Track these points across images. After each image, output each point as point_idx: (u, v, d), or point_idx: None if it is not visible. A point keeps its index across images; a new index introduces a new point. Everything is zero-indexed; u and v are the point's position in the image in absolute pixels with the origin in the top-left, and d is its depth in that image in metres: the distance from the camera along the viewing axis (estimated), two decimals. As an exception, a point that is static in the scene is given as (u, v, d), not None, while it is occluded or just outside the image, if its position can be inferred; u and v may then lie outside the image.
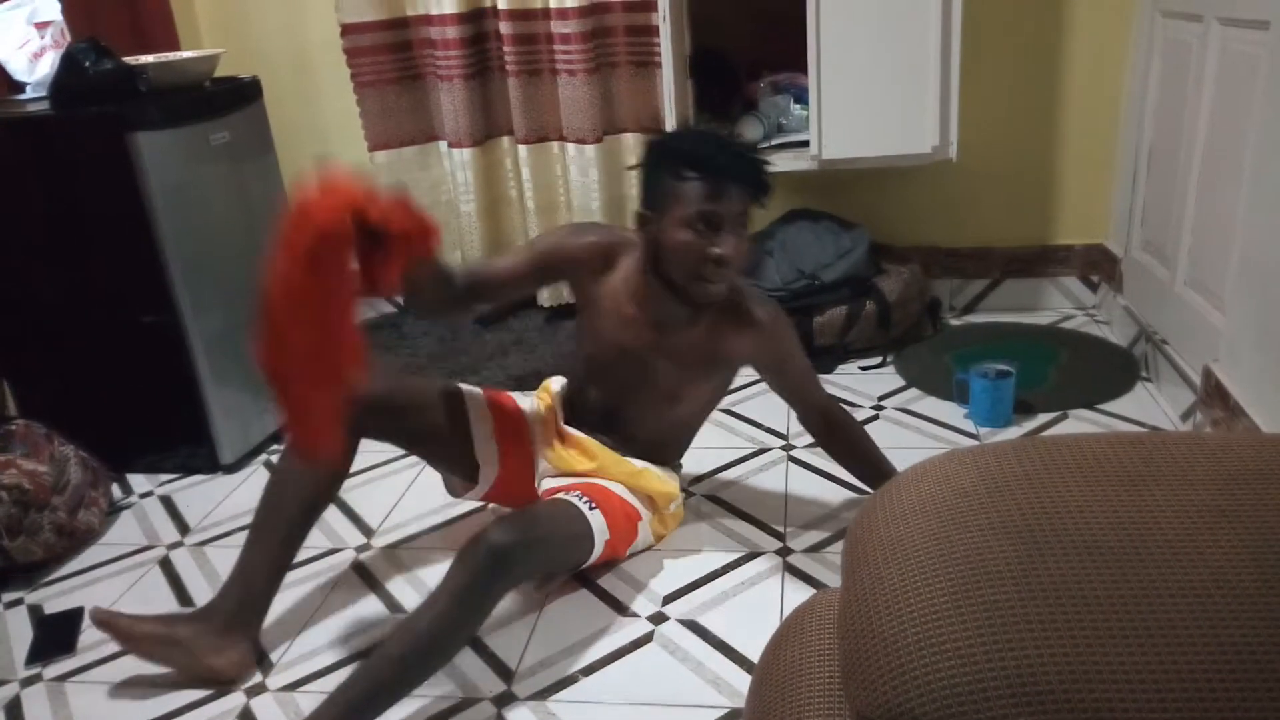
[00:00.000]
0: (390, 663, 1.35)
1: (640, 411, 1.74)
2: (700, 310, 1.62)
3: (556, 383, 1.85)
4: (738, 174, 1.50)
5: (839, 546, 1.60)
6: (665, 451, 1.82)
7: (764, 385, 2.44)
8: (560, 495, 1.63)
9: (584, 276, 1.69)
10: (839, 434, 1.83)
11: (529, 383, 2.51)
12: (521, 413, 1.79)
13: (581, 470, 1.71)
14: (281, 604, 1.75)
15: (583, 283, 1.70)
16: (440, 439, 1.71)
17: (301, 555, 1.89)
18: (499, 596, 1.45)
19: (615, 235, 1.70)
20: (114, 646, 1.68)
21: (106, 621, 1.51)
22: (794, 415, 2.26)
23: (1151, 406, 2.22)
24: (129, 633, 1.51)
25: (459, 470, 1.76)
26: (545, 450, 1.76)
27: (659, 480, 1.75)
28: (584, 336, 1.75)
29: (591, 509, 1.60)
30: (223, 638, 1.52)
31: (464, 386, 1.76)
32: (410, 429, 1.70)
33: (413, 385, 1.79)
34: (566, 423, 1.77)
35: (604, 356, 1.70)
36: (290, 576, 1.83)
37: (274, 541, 1.57)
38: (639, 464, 1.74)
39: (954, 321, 2.78)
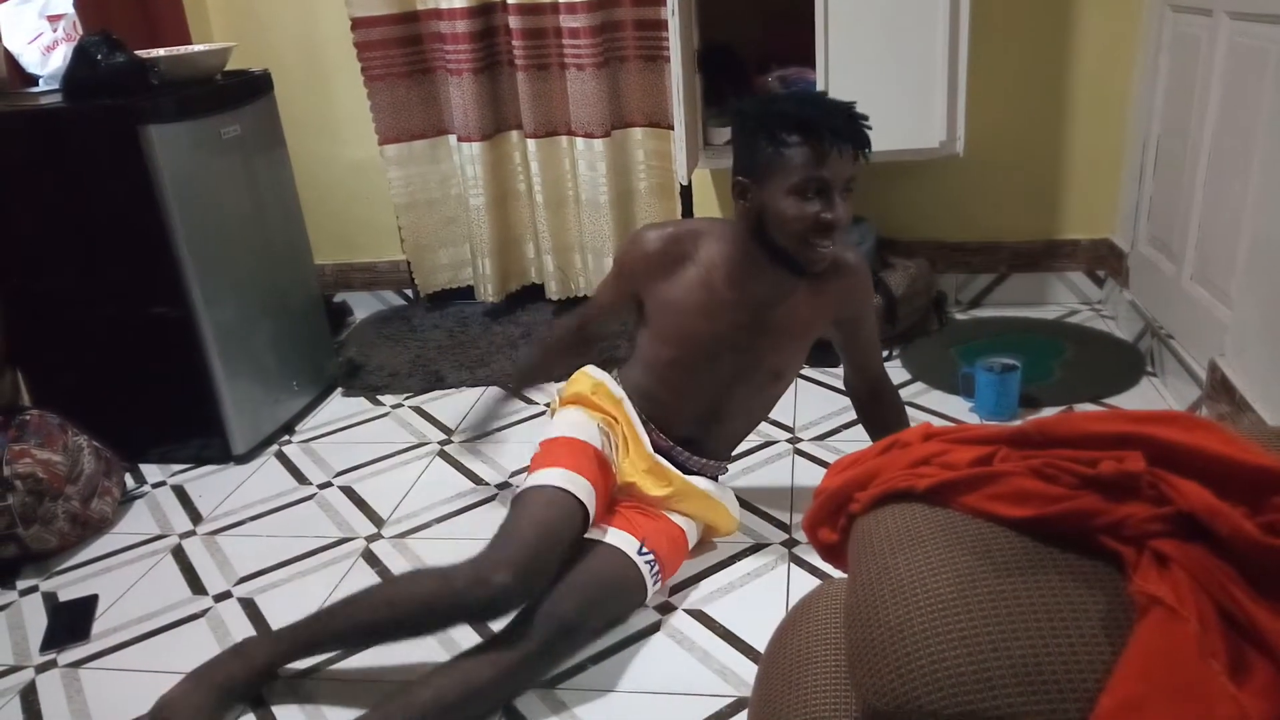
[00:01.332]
0: (432, 711, 1.35)
1: (743, 402, 1.69)
2: (804, 276, 1.56)
3: (597, 373, 1.74)
4: (845, 136, 1.43)
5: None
6: (745, 431, 1.82)
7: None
8: (612, 545, 1.57)
9: (651, 282, 1.61)
10: (882, 408, 1.81)
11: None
12: (608, 465, 1.63)
13: (653, 497, 1.65)
14: (293, 593, 1.78)
15: (649, 288, 1.62)
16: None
17: (312, 544, 1.92)
18: (563, 660, 1.50)
19: (681, 227, 1.63)
20: (127, 633, 1.71)
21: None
22: (800, 409, 2.28)
23: (1157, 401, 2.22)
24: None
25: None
26: (630, 474, 1.66)
27: (727, 515, 1.74)
28: (662, 342, 1.65)
29: (642, 553, 1.57)
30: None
31: (577, 492, 1.53)
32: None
33: (549, 530, 1.49)
34: (654, 446, 1.68)
35: (693, 357, 1.62)
36: (302, 564, 1.86)
37: (324, 631, 1.50)
38: (715, 492, 1.71)
39: (960, 316, 2.79)
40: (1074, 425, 0.76)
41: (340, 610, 1.47)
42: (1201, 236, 2.13)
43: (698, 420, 1.69)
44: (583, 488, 1.53)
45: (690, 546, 1.72)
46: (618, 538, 1.58)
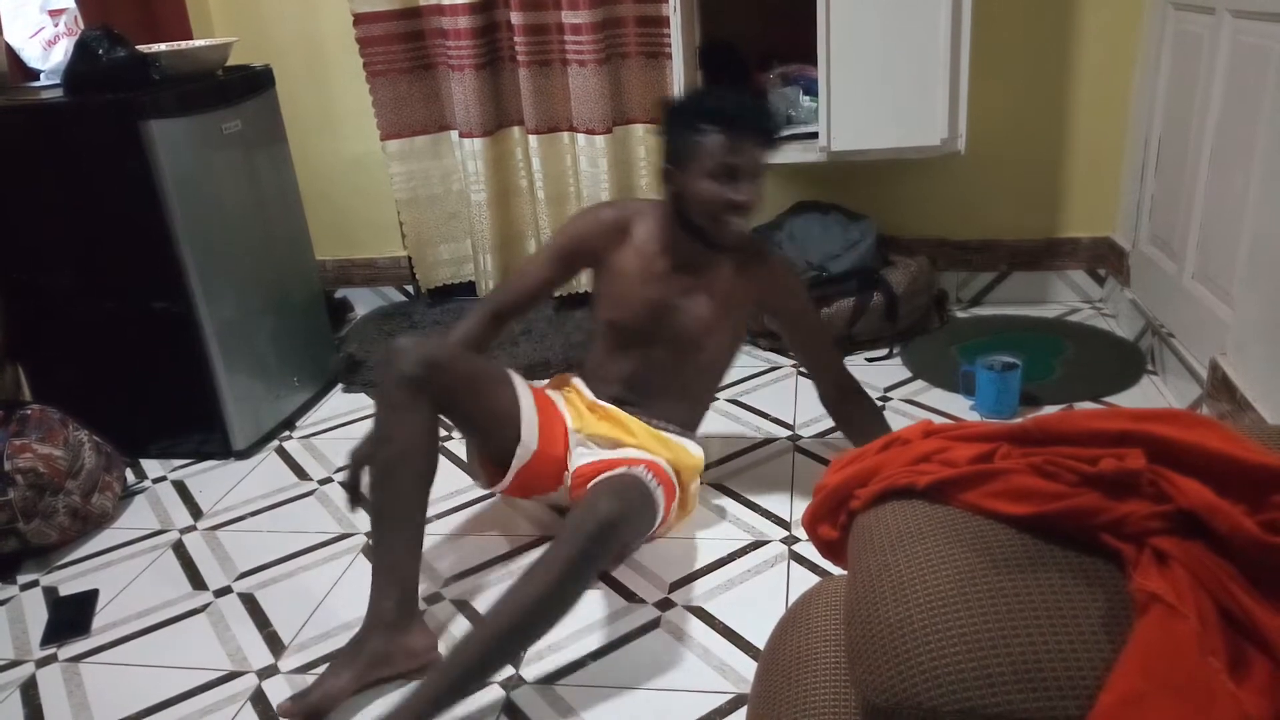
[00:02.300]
0: (500, 633, 1.38)
1: (667, 365, 1.81)
2: (722, 252, 1.75)
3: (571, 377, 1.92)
4: (751, 126, 1.64)
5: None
6: (686, 412, 1.88)
7: (773, 374, 2.47)
8: (625, 470, 1.66)
9: (604, 252, 1.80)
10: (849, 406, 1.92)
11: (538, 371, 2.54)
12: (548, 395, 1.85)
13: (619, 440, 1.76)
14: (293, 588, 1.78)
15: (603, 258, 1.80)
16: (495, 412, 1.71)
17: (312, 540, 1.93)
18: (603, 565, 1.61)
19: (626, 206, 1.85)
20: (127, 628, 1.71)
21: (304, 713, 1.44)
22: (801, 406, 2.28)
23: (1157, 400, 2.22)
24: (336, 700, 1.45)
25: (498, 447, 1.73)
26: (576, 420, 1.81)
27: (688, 454, 1.81)
28: (606, 307, 1.82)
29: (651, 479, 1.67)
30: (403, 633, 1.50)
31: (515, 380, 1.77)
32: (472, 398, 1.68)
33: (474, 357, 1.78)
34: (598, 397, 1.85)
35: (630, 318, 1.79)
36: (302, 560, 1.86)
37: (406, 528, 1.56)
38: (672, 436, 1.80)
39: (960, 314, 2.79)
40: (1074, 423, 0.76)
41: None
42: (1203, 235, 2.13)
43: (628, 383, 1.83)
44: (521, 382, 1.76)
45: (672, 480, 1.74)
46: (628, 470, 1.67)
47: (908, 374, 2.42)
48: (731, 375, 2.46)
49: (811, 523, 0.91)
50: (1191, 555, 0.68)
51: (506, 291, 1.89)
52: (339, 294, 3.16)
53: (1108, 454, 0.72)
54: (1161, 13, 2.37)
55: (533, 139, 2.77)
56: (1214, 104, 2.06)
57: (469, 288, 3.07)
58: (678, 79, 2.31)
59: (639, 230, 1.79)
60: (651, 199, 1.79)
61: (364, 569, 1.81)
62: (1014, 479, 0.74)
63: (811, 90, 2.54)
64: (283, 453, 2.30)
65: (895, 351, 2.54)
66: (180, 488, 2.18)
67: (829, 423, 2.20)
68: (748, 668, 1.48)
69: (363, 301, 3.20)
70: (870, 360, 2.50)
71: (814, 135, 2.43)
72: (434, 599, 1.72)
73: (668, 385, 1.83)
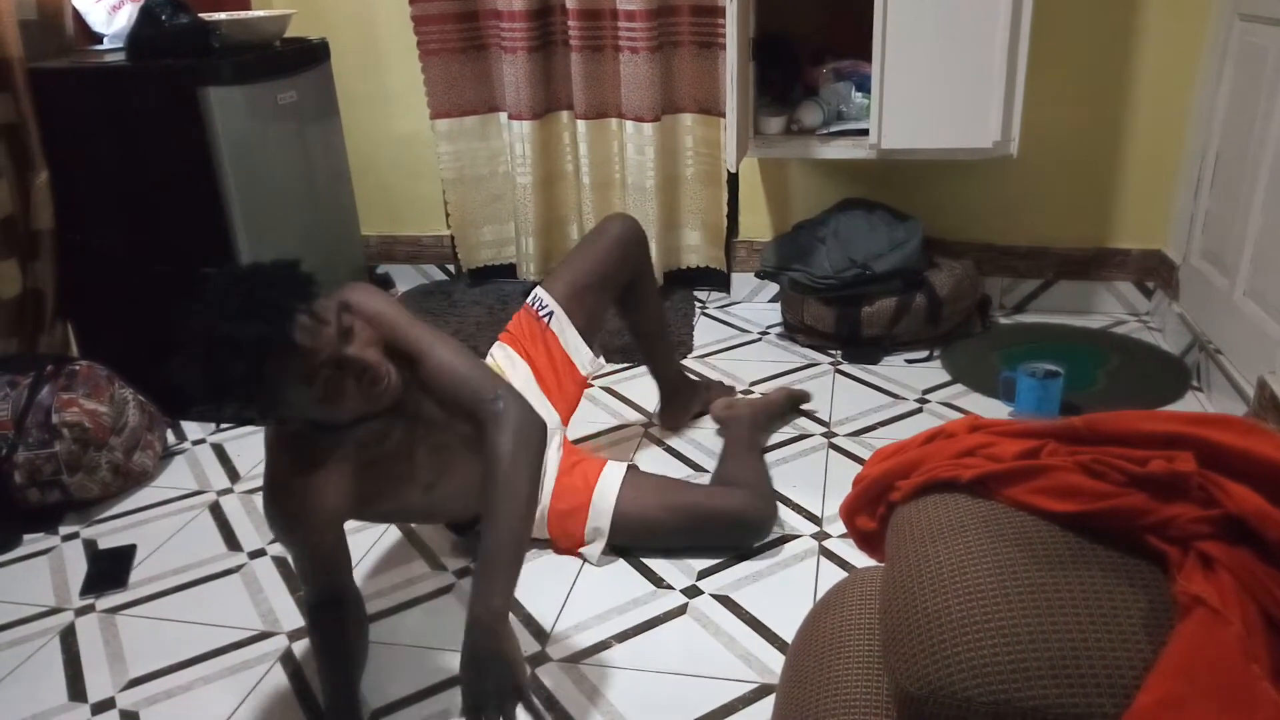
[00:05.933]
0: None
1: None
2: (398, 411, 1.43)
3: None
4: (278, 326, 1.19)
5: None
6: None
7: (810, 370, 2.46)
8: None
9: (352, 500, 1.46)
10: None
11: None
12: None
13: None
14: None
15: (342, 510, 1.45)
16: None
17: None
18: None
19: (295, 474, 1.42)
20: (163, 584, 1.74)
21: None
22: (837, 403, 2.27)
23: (1201, 416, 2.19)
24: None
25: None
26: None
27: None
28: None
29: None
30: None
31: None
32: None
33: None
34: None
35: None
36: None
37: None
38: None
39: (1003, 320, 2.76)
40: (1125, 423, 0.76)
41: None
42: (1256, 251, 2.09)
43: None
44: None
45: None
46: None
47: (947, 377, 2.40)
48: (768, 370, 2.46)
49: (850, 513, 0.91)
50: (1238, 561, 0.67)
51: (320, 574, 1.46)
52: (380, 270, 3.19)
53: (1157, 456, 0.71)
54: (1227, 22, 2.33)
55: (581, 124, 2.78)
56: (1276, 118, 2.02)
57: (509, 269, 3.09)
58: (731, 70, 2.30)
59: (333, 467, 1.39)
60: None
61: (394, 535, 1.83)
62: (1060, 476, 0.74)
63: (864, 87, 2.52)
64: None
65: (936, 354, 2.52)
66: (219, 450, 2.21)
67: (865, 421, 2.19)
68: (773, 659, 1.48)
69: (404, 278, 3.23)
70: (910, 362, 2.48)
71: (864, 132, 2.41)
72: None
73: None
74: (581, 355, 1.88)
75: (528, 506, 1.30)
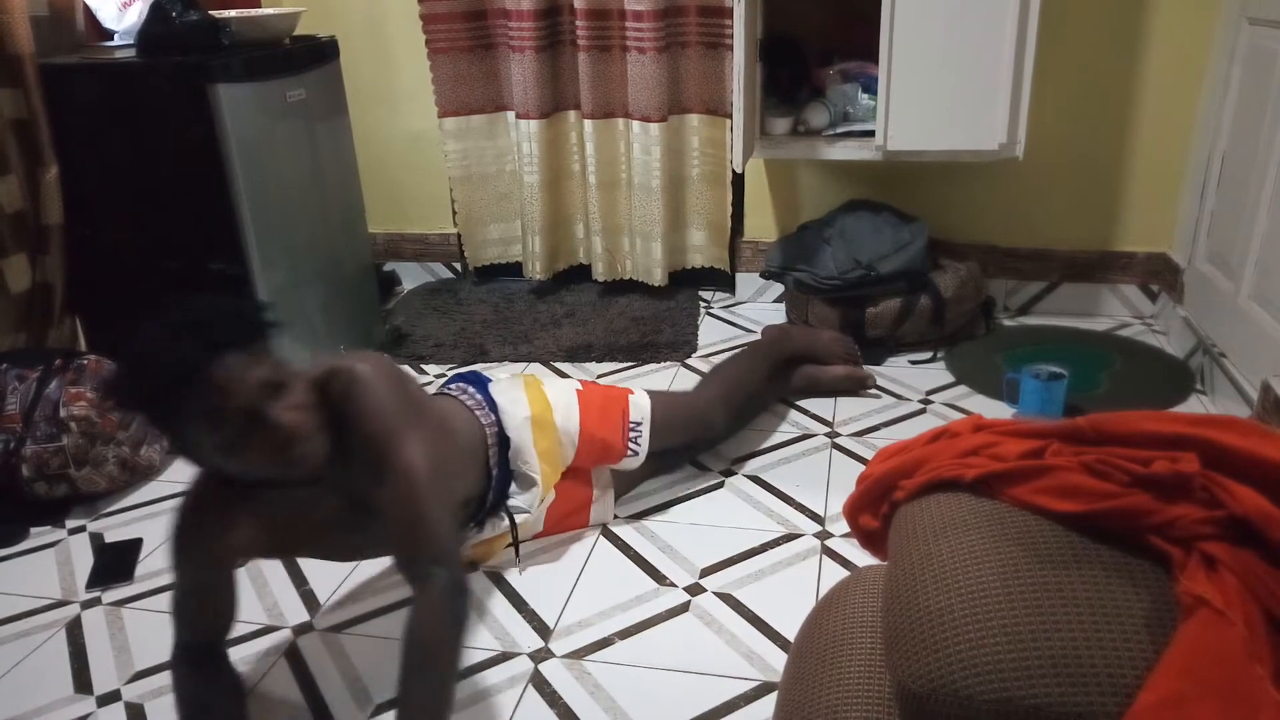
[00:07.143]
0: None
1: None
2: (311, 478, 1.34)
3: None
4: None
5: (880, 534, 1.61)
6: None
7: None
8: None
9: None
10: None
11: (579, 354, 2.56)
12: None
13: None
14: (331, 550, 1.81)
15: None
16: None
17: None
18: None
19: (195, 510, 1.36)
20: (168, 578, 1.74)
21: None
22: (841, 404, 2.27)
23: (1205, 420, 2.19)
24: None
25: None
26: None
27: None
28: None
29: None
30: None
31: None
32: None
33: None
34: None
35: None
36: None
37: None
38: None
39: (1008, 322, 2.76)
40: (1130, 423, 0.76)
41: None
42: (1262, 255, 2.09)
43: None
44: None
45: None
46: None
47: (951, 378, 2.40)
48: (773, 369, 2.46)
49: (853, 511, 0.92)
50: (1242, 562, 0.67)
51: (189, 620, 1.38)
52: (387, 267, 3.20)
53: (1161, 456, 0.72)
54: (1235, 26, 2.33)
55: (588, 124, 2.78)
56: (1283, 122, 2.02)
57: (515, 268, 3.09)
58: (738, 71, 2.30)
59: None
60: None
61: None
62: (1064, 476, 0.74)
63: (871, 88, 2.52)
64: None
65: (940, 355, 2.52)
66: (225, 446, 2.22)
67: (868, 422, 2.19)
68: (774, 656, 1.49)
69: (410, 276, 3.24)
70: (914, 363, 2.49)
71: (870, 133, 2.42)
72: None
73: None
74: (606, 505, 1.88)
75: (444, 693, 1.21)
